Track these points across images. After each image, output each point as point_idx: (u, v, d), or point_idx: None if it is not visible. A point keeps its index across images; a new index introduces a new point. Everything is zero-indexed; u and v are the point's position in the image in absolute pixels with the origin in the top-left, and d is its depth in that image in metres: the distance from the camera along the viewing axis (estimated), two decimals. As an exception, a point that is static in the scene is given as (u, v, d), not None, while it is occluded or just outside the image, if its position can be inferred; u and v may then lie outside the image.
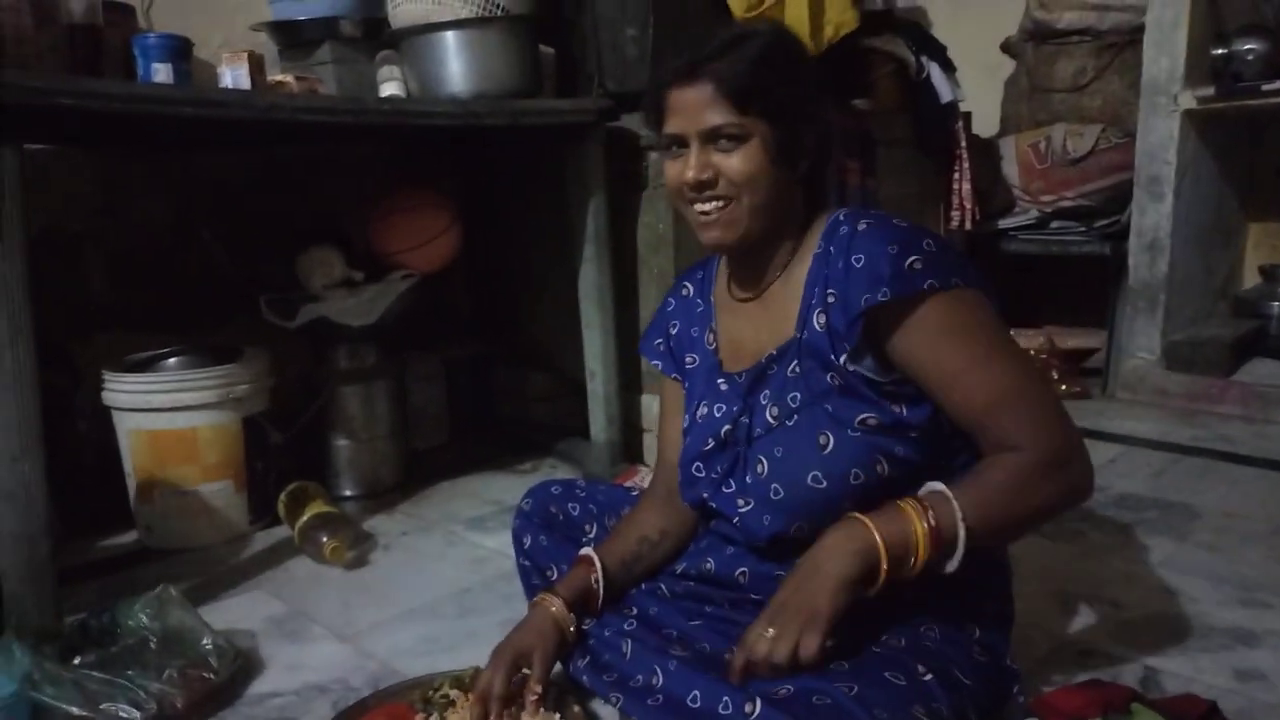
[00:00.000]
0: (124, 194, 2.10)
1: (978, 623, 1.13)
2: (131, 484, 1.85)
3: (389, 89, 2.05)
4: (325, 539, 1.71)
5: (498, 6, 1.97)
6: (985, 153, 3.01)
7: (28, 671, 1.21)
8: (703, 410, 1.21)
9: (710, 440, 1.19)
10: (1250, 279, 3.02)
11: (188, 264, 2.16)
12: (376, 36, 2.10)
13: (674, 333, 1.31)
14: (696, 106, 1.07)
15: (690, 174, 1.09)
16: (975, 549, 1.02)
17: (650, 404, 2.18)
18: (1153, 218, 2.67)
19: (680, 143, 1.11)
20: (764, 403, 1.14)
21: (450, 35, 1.95)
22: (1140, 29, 2.71)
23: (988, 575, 1.15)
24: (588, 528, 1.38)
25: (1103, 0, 3.05)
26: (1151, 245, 2.68)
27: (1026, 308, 3.26)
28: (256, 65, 1.66)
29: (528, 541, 1.40)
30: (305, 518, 1.77)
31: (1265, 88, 2.42)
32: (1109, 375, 2.84)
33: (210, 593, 1.62)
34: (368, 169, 2.40)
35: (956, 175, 2.80)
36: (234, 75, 1.65)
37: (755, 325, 1.18)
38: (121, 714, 1.18)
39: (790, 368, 1.12)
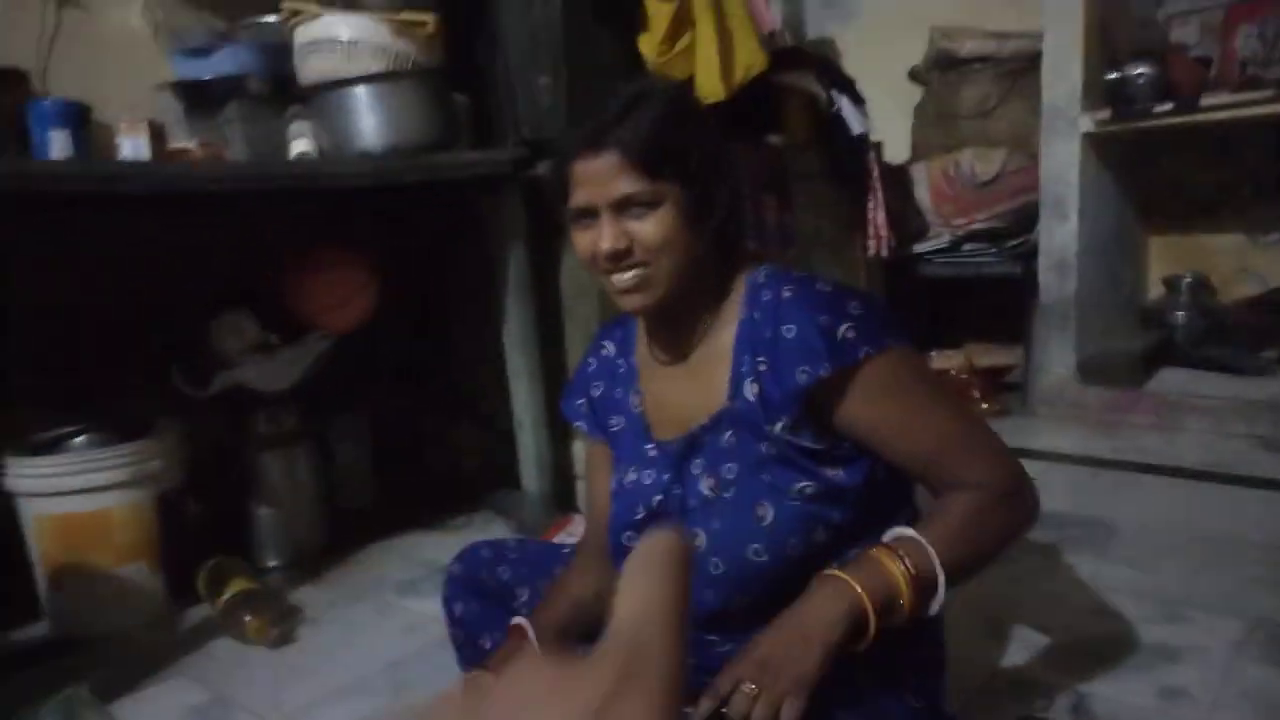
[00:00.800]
0: (14, 264, 2.01)
1: (912, 669, 1.14)
2: (39, 572, 1.77)
3: (300, 146, 2.01)
4: (248, 618, 1.65)
5: (408, 59, 1.95)
6: (898, 179, 3.08)
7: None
8: (631, 476, 1.19)
9: (641, 509, 1.17)
10: (1155, 290, 3.14)
11: (89, 336, 2.08)
12: (285, 93, 2.06)
13: (596, 395, 1.29)
14: (604, 177, 1.05)
15: (605, 245, 1.05)
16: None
17: (581, 450, 2.16)
18: (1059, 237, 2.76)
19: (590, 214, 1.07)
20: (696, 472, 1.13)
21: (361, 90, 1.93)
22: (1039, 55, 2.80)
23: (919, 620, 1.16)
24: (520, 592, 1.34)
25: (1002, 29, 3.15)
26: (1060, 264, 2.76)
27: (945, 329, 3.34)
28: (156, 134, 1.62)
29: (458, 610, 1.36)
30: (226, 596, 1.71)
31: (1156, 109, 2.53)
32: (1028, 391, 2.92)
33: (128, 684, 1.55)
34: (280, 228, 2.35)
35: (871, 204, 2.86)
36: (134, 145, 1.61)
37: (682, 390, 1.16)
38: (32, 830, 1.12)
39: (724, 438, 1.10)
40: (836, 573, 0.99)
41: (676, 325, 1.15)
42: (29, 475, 1.72)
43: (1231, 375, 2.64)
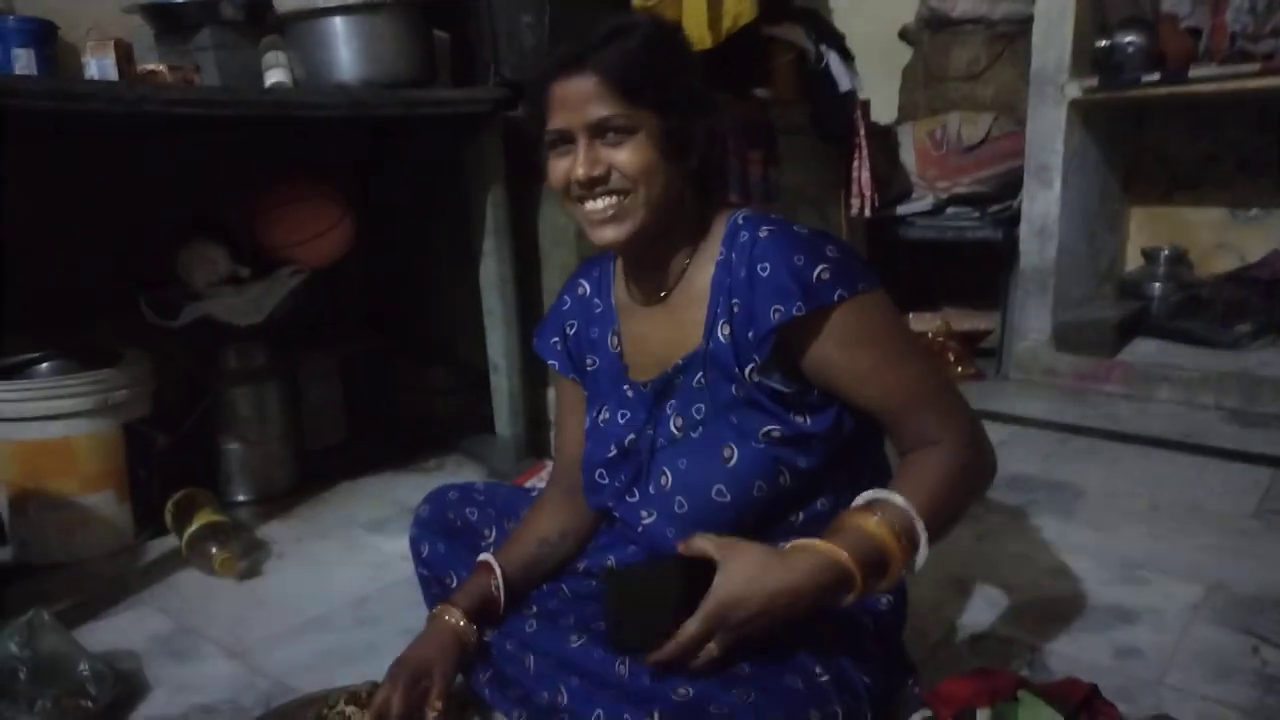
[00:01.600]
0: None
1: (872, 616, 1.15)
2: (3, 497, 1.75)
3: (274, 76, 1.95)
4: (215, 549, 1.64)
5: (389, -9, 1.91)
6: (884, 140, 3.06)
7: (-118, 709, 1.13)
8: (605, 415, 1.19)
9: (613, 447, 1.17)
10: (1133, 261, 3.15)
11: (54, 263, 2.03)
12: (261, 21, 2.00)
13: (571, 332, 1.28)
14: (582, 99, 1.03)
15: (580, 170, 1.03)
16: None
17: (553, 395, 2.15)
18: (1042, 204, 2.75)
19: (565, 139, 1.06)
20: (669, 413, 1.13)
21: (339, 20, 1.88)
22: (1030, 20, 2.78)
23: None
24: (487, 532, 1.35)
25: (995, -11, 3.12)
26: (1041, 230, 2.77)
27: (923, 291, 3.35)
28: (124, 54, 1.57)
29: (425, 550, 1.36)
30: (193, 527, 1.70)
31: (1144, 79, 2.52)
32: (1002, 356, 2.93)
33: (91, 611, 1.54)
34: (252, 158, 2.30)
35: (856, 163, 2.84)
36: (100, 65, 1.56)
37: (660, 331, 1.15)
38: (-11, 751, 1.12)
39: (696, 379, 1.10)
40: (832, 547, 0.95)
41: (654, 265, 1.14)
42: (-9, 400, 1.69)
43: (1204, 348, 2.67)
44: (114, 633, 1.46)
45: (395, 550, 1.74)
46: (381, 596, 1.57)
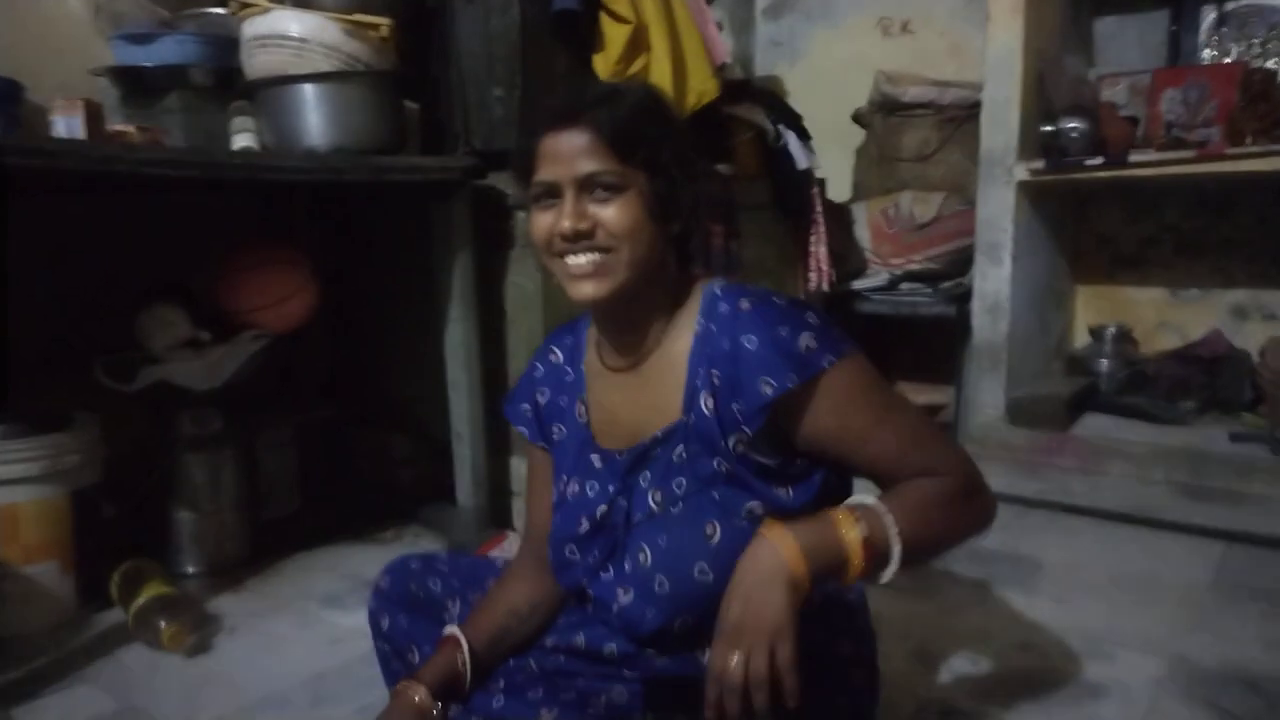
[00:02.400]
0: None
1: (847, 694, 1.14)
2: (-62, 568, 1.67)
3: (242, 141, 1.96)
4: (163, 624, 1.58)
5: (360, 62, 1.93)
6: (839, 217, 3.14)
7: None
8: (574, 488, 1.16)
9: (584, 521, 1.14)
10: (1081, 339, 3.24)
11: (6, 323, 1.97)
12: (229, 87, 2.01)
13: (542, 401, 1.26)
14: (573, 153, 1.02)
15: (566, 223, 1.02)
16: (843, 612, 1.06)
17: (520, 466, 2.13)
18: (993, 281, 2.83)
19: (552, 192, 1.05)
20: (644, 485, 1.10)
21: (309, 88, 1.89)
22: (978, 104, 2.89)
23: (856, 645, 1.16)
24: (450, 604, 1.29)
25: (944, 77, 3.25)
26: (993, 307, 2.84)
27: (879, 365, 3.37)
28: (94, 114, 1.56)
29: (385, 623, 1.31)
30: (141, 600, 1.63)
31: (1087, 163, 2.62)
32: (958, 430, 2.98)
33: (30, 689, 1.46)
34: (216, 223, 2.28)
35: (813, 238, 2.90)
36: (68, 124, 1.54)
37: (633, 400, 1.14)
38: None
39: (676, 452, 1.08)
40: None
41: (629, 328, 1.12)
42: (-68, 465, 1.62)
43: (1151, 423, 2.73)
44: (54, 712, 1.39)
45: (352, 625, 1.69)
46: (339, 673, 1.52)
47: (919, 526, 1.00)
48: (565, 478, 1.18)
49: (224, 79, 2.01)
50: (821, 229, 2.91)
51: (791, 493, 1.06)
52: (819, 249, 2.91)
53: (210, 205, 2.25)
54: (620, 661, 1.14)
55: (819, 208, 2.90)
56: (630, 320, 1.12)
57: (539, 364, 1.28)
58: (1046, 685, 1.47)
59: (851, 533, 0.96)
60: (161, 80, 1.98)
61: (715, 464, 1.05)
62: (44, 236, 2.01)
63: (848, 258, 3.12)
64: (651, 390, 1.12)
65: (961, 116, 3.21)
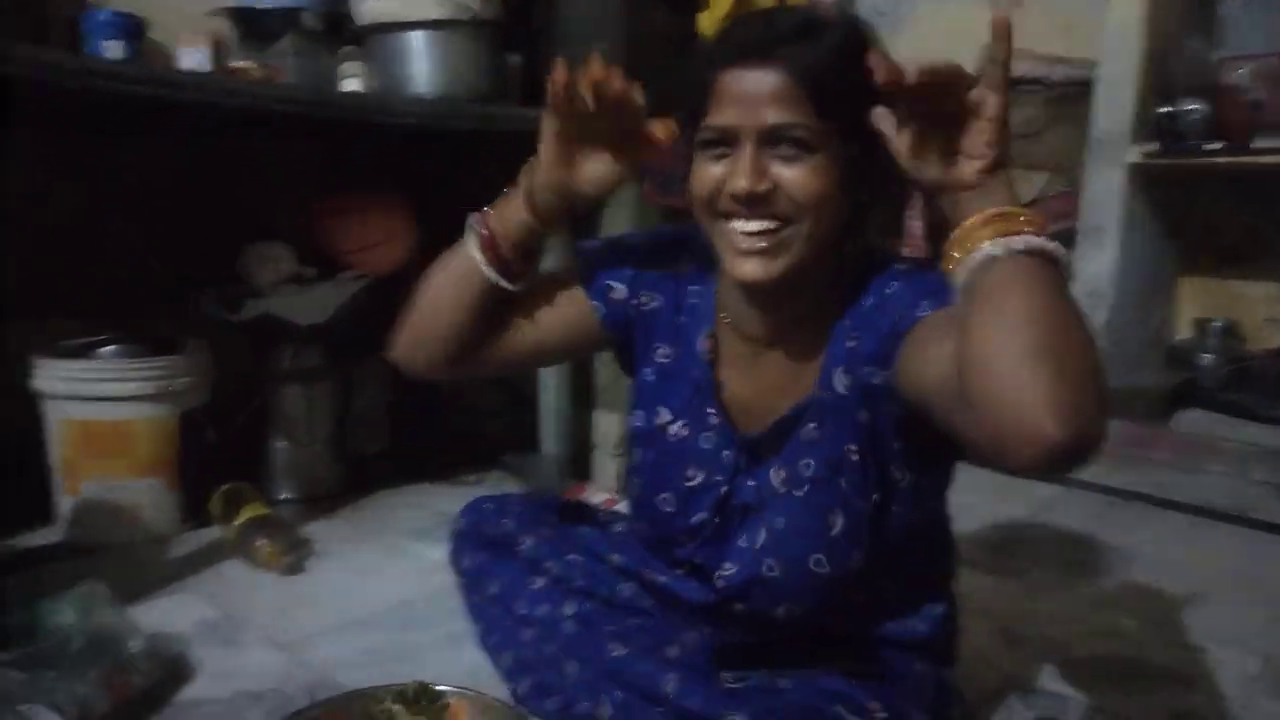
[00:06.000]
0: (44, 177, 1.98)
1: (926, 659, 1.12)
2: (57, 476, 1.76)
3: (350, 85, 2.00)
4: (262, 542, 1.64)
5: (467, 10, 1.95)
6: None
7: (-62, 669, 1.13)
8: (679, 429, 1.08)
9: (696, 474, 1.06)
10: (1182, 331, 3.13)
11: (115, 253, 2.06)
12: (339, 32, 2.06)
13: (645, 306, 1.09)
14: (761, 97, 0.86)
15: (742, 182, 0.87)
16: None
17: (602, 419, 2.16)
18: (1095, 266, 2.74)
19: (727, 140, 0.90)
20: (771, 463, 1.02)
21: (417, 34, 1.93)
22: (1088, 83, 2.80)
23: (935, 611, 1.11)
24: (522, 539, 1.31)
25: (1054, 52, 3.14)
26: (1093, 293, 2.75)
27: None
28: (218, 48, 1.61)
29: (465, 562, 1.35)
30: (241, 520, 1.70)
31: (1205, 147, 2.52)
32: (1046, 417, 2.90)
33: (136, 593, 1.53)
34: (315, 167, 2.34)
35: (909, 213, 2.85)
36: (194, 56, 1.60)
37: (762, 372, 1.04)
38: (39, 717, 1.11)
39: (806, 430, 0.99)
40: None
41: (778, 306, 1.00)
42: (55, 378, 1.71)
43: (1254, 422, 2.63)
44: (162, 614, 1.45)
45: (437, 558, 1.71)
46: (425, 601, 1.56)
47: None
48: (665, 410, 1.10)
49: (334, 24, 2.06)
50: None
51: (922, 480, 0.99)
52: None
53: (318, 149, 2.31)
54: (698, 611, 1.13)
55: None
56: (785, 300, 0.99)
57: (658, 259, 1.10)
58: (1133, 673, 1.43)
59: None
60: (276, 23, 2.03)
61: (845, 448, 0.97)
62: (161, 169, 2.09)
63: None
64: (786, 365, 1.02)
65: (1070, 95, 3.10)
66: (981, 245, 0.77)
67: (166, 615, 1.46)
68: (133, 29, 1.81)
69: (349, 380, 2.22)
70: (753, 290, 0.98)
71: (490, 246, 1.05)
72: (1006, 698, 1.24)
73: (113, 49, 1.75)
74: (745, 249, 0.91)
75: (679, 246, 1.11)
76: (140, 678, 1.21)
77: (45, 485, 1.78)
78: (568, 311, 1.12)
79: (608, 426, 2.15)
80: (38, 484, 1.78)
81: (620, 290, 1.10)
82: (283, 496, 2.04)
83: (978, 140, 0.78)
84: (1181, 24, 2.85)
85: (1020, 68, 3.16)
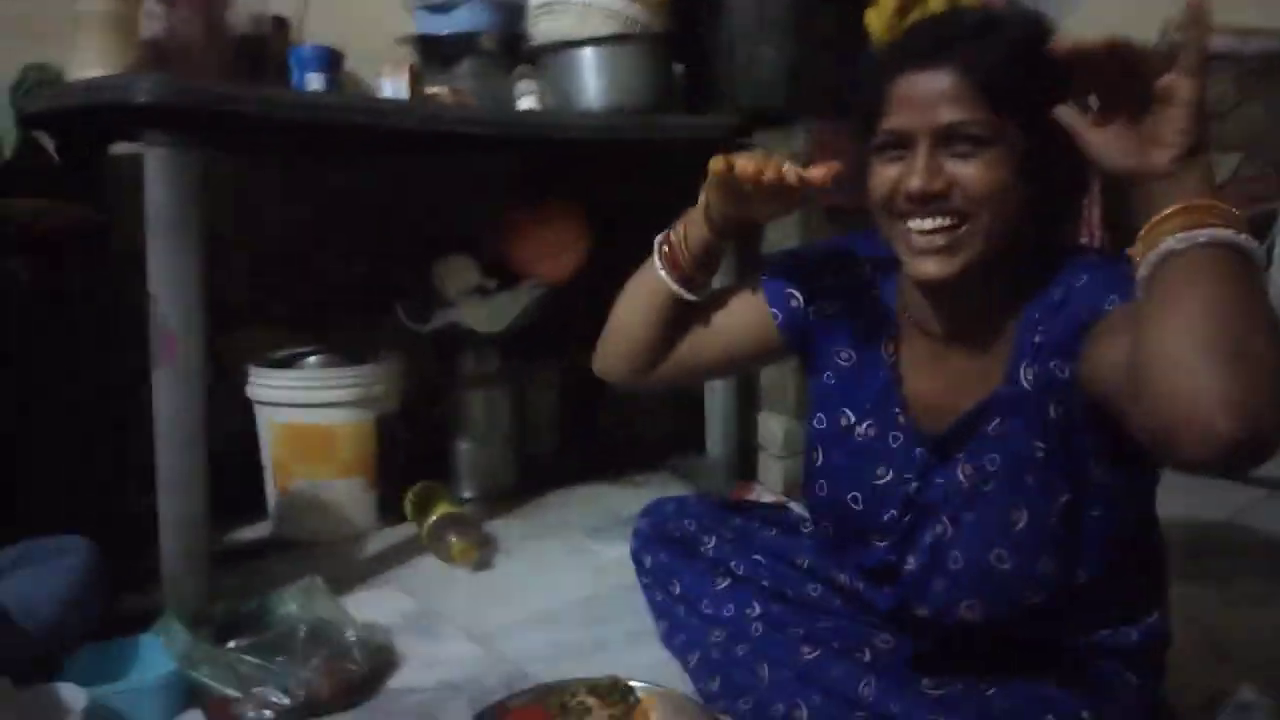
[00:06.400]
0: (261, 200, 2.17)
1: (1136, 670, 1.08)
2: (269, 476, 1.92)
3: (526, 103, 2.09)
4: (454, 539, 1.74)
5: (637, 24, 1.99)
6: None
7: (186, 651, 1.26)
8: (868, 429, 1.09)
9: (888, 471, 1.07)
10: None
11: (321, 269, 2.23)
12: (515, 52, 2.15)
13: (828, 309, 1.12)
14: (933, 98, 0.88)
15: (916, 181, 0.89)
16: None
17: (769, 421, 2.17)
18: (1298, 251, 2.54)
19: (902, 143, 0.92)
20: (958, 460, 1.02)
21: (589, 51, 1.98)
22: (1288, 56, 2.59)
23: (1147, 620, 1.06)
24: (705, 539, 1.35)
25: (1247, 23, 2.93)
26: (1295, 279, 2.55)
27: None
28: (415, 77, 1.72)
29: (648, 561, 1.40)
30: (433, 518, 1.81)
31: None
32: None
33: (343, 586, 1.65)
34: (495, 184, 2.45)
35: (1086, 200, 2.72)
36: (394, 86, 1.72)
37: (946, 368, 1.04)
38: (272, 699, 1.22)
39: (992, 425, 0.99)
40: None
41: (962, 304, 1.00)
42: (269, 385, 1.88)
43: None
44: (368, 605, 1.56)
45: (613, 556, 1.78)
46: (607, 598, 1.62)
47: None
48: (850, 412, 1.12)
49: (509, 44, 2.15)
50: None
51: (1122, 481, 0.95)
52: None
53: (496, 165, 2.42)
54: (886, 616, 1.13)
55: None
56: (968, 297, 0.99)
57: (837, 266, 1.14)
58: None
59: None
60: (456, 47, 2.14)
61: (1033, 446, 0.96)
62: (348, 197, 2.25)
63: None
64: (971, 362, 1.02)
65: (1265, 69, 2.89)
66: (1165, 239, 0.75)
67: (371, 607, 1.56)
68: (333, 62, 1.94)
69: (524, 384, 2.32)
70: (932, 288, 0.99)
71: (672, 260, 1.15)
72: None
73: (315, 81, 1.88)
74: (923, 248, 0.93)
75: (856, 253, 1.14)
76: (356, 665, 1.31)
77: (259, 485, 1.95)
78: (750, 320, 1.18)
79: (773, 428, 2.15)
80: (253, 484, 1.95)
81: (798, 298, 1.14)
82: (465, 495, 2.15)
83: (1170, 127, 0.77)
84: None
85: (1211, 42, 2.97)
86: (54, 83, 1.66)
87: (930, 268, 0.93)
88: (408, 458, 2.06)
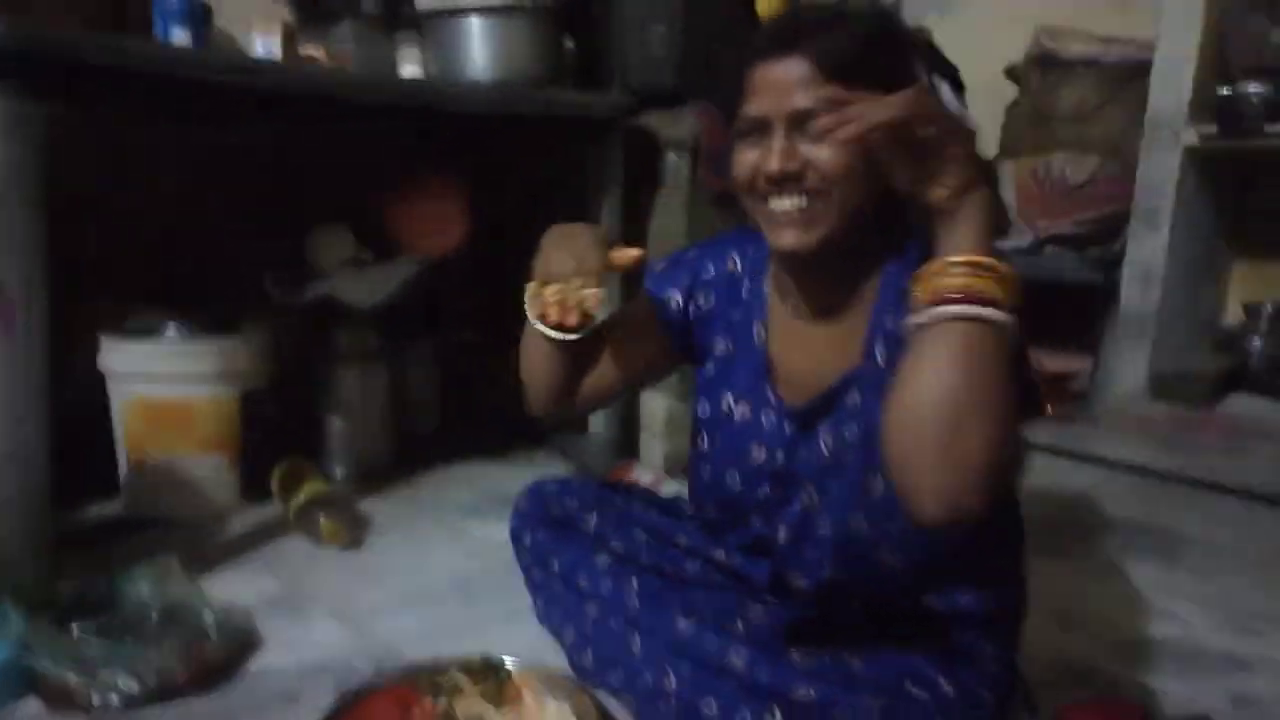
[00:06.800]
0: (123, 162, 2.03)
1: (993, 639, 1.13)
2: (122, 452, 1.81)
3: (409, 71, 2.03)
4: (323, 519, 1.68)
5: (524, -4, 1.96)
6: (985, 173, 3.04)
7: (22, 637, 1.18)
8: (744, 411, 1.14)
9: (760, 451, 1.11)
10: (1233, 316, 3.08)
11: (190, 237, 2.11)
12: (398, 17, 2.08)
13: (705, 305, 1.19)
14: (787, 85, 0.94)
15: (774, 163, 0.95)
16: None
17: (651, 401, 2.17)
18: (1148, 249, 2.71)
19: (760, 127, 0.97)
20: (821, 430, 1.07)
21: (476, 20, 1.94)
22: (1145, 64, 2.75)
23: (1005, 590, 1.13)
24: (587, 517, 1.35)
25: (1110, 33, 3.09)
26: (1145, 275, 2.72)
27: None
28: (289, 36, 1.64)
29: (527, 539, 1.38)
30: (301, 497, 1.74)
31: (1268, 129, 2.47)
32: (1093, 400, 2.88)
33: (202, 567, 1.57)
34: (381, 151, 2.37)
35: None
36: (265, 44, 1.63)
37: (812, 347, 1.09)
38: (120, 684, 1.15)
39: (851, 398, 1.05)
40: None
41: (824, 282, 1.06)
42: (121, 357, 1.76)
43: (1306, 407, 2.59)
44: (228, 587, 1.49)
45: (491, 536, 1.75)
46: (483, 576, 1.59)
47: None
48: (729, 396, 1.16)
49: (393, 8, 2.08)
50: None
51: None
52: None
53: (377, 134, 2.33)
54: (764, 590, 1.15)
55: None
56: (828, 272, 1.05)
57: (710, 264, 1.20)
58: (1189, 655, 1.43)
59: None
60: (335, 8, 2.06)
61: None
62: (225, 156, 2.13)
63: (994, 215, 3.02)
64: (833, 338, 1.07)
65: (1125, 75, 3.05)
66: (920, 309, 0.87)
67: (232, 588, 1.50)
68: (199, 14, 1.83)
69: (401, 361, 2.25)
70: (794, 261, 1.05)
71: (540, 313, 1.13)
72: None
73: (180, 35, 1.78)
74: (780, 221, 0.99)
75: (730, 249, 1.20)
76: (214, 648, 1.25)
77: (110, 461, 1.83)
78: (647, 332, 1.22)
79: (654, 408, 2.16)
80: (103, 460, 1.83)
81: (678, 300, 1.20)
82: (338, 473, 2.08)
83: (944, 170, 0.86)
84: (1242, 2, 2.79)
85: (1074, 49, 3.11)
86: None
87: (789, 239, 0.99)
88: (279, 435, 1.98)
